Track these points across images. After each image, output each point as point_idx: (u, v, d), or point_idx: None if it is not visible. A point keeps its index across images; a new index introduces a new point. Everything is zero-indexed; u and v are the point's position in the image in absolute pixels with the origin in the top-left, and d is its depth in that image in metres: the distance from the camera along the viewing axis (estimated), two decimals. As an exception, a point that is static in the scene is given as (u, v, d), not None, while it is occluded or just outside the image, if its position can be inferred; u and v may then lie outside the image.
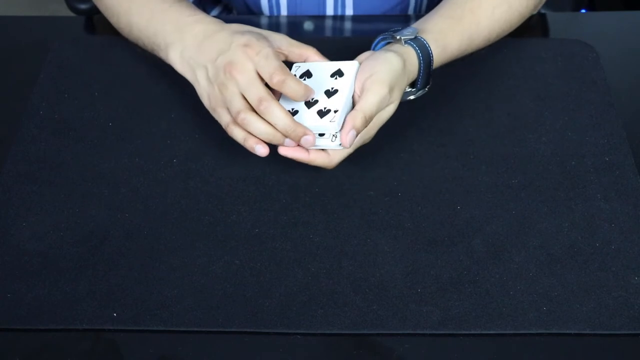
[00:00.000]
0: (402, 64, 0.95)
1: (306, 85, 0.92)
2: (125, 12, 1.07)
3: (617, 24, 1.23)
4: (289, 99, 0.92)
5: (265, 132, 0.91)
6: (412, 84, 0.99)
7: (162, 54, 1.03)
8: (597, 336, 0.83)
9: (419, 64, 0.98)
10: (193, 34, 0.99)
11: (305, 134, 0.90)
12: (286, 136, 0.90)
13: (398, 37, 0.97)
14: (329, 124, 0.91)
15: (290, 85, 0.90)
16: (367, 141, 0.95)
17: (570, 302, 0.85)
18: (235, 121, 0.92)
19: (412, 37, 0.98)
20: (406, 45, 0.97)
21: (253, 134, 0.91)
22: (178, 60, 1.00)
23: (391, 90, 0.92)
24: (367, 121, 0.91)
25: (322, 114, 0.91)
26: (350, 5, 1.21)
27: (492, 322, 0.84)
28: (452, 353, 0.83)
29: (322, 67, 0.95)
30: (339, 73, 0.94)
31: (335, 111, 0.91)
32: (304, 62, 0.97)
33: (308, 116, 0.92)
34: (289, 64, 0.95)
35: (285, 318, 0.84)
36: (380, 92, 0.91)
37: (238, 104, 0.91)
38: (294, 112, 0.92)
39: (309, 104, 0.92)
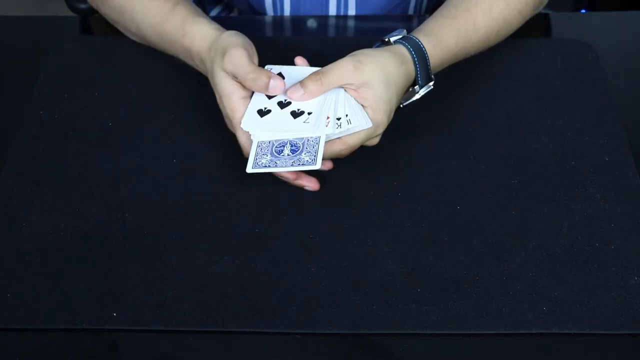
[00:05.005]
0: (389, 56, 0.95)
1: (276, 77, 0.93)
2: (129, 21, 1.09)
3: (617, 24, 1.23)
4: (262, 96, 0.93)
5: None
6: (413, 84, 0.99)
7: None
8: (597, 336, 0.83)
9: (412, 57, 0.97)
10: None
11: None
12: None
13: (387, 39, 0.98)
14: (302, 125, 0.90)
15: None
16: (374, 142, 0.95)
17: (570, 302, 0.85)
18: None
19: (400, 36, 0.98)
20: (395, 44, 0.98)
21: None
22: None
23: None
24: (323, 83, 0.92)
25: (295, 114, 0.91)
26: (352, 5, 1.21)
27: (492, 322, 0.84)
28: (452, 353, 0.82)
29: (296, 70, 0.95)
30: None
31: (309, 113, 0.91)
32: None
33: (282, 115, 0.91)
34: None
35: (285, 318, 0.84)
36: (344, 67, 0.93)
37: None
38: (267, 111, 0.92)
39: (282, 105, 0.92)
